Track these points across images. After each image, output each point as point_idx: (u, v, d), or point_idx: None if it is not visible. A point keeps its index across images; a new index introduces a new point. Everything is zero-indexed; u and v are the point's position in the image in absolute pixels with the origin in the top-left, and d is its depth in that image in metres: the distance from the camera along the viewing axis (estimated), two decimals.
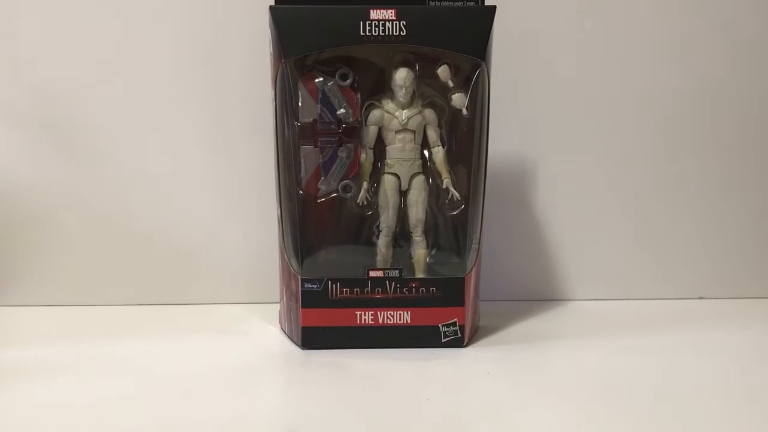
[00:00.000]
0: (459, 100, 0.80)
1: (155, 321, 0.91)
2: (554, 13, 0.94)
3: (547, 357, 0.81)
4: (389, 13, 0.74)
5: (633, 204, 0.99)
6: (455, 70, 0.79)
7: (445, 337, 0.81)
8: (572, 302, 0.99)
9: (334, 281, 0.80)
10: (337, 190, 0.82)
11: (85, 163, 0.94)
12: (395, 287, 0.80)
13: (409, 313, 0.80)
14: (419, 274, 0.83)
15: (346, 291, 0.80)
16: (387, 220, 0.82)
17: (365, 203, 0.82)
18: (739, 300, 1.00)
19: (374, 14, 0.74)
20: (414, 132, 0.81)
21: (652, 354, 0.81)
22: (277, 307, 0.89)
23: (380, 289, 0.80)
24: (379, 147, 0.82)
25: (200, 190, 0.96)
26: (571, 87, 0.95)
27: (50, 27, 0.91)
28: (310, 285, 0.80)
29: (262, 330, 0.88)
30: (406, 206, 0.83)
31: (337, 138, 0.80)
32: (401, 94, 0.79)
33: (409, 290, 0.80)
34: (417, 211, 0.82)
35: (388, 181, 0.82)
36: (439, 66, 0.79)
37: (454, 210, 0.83)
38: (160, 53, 0.92)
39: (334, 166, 0.81)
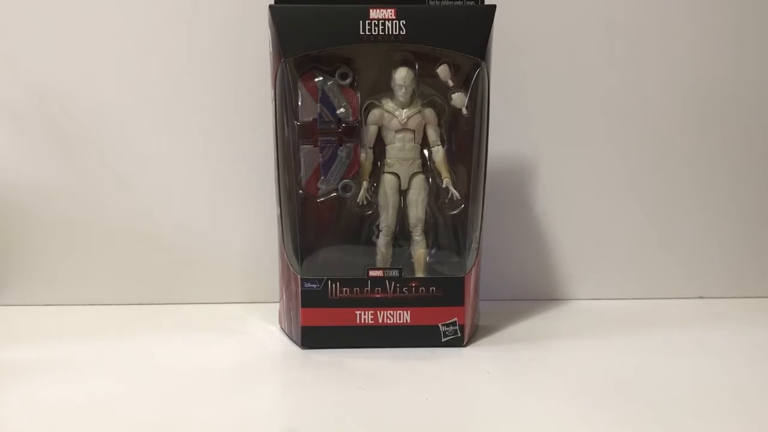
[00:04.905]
0: (459, 99, 0.80)
1: (155, 321, 0.91)
2: (554, 13, 0.94)
3: (547, 356, 0.81)
4: (389, 13, 0.74)
5: (633, 204, 0.99)
6: (455, 70, 0.79)
7: (444, 337, 0.81)
8: (572, 302, 0.99)
9: (333, 281, 0.79)
10: (336, 190, 0.82)
11: (84, 162, 0.94)
12: (395, 287, 0.80)
13: (408, 312, 0.80)
14: (419, 274, 0.83)
15: (346, 291, 0.80)
16: (387, 219, 0.82)
17: (365, 203, 0.82)
18: (739, 300, 1.00)
19: (374, 13, 0.74)
20: (414, 131, 0.81)
21: (652, 354, 0.81)
22: (276, 307, 0.89)
23: (380, 289, 0.80)
24: (379, 146, 0.82)
25: (200, 189, 0.96)
26: (570, 86, 0.95)
27: (51, 26, 0.91)
28: (309, 284, 0.80)
29: (261, 329, 0.88)
30: (405, 206, 0.83)
31: (336, 137, 0.80)
32: (401, 94, 0.79)
33: (409, 290, 0.80)
34: (417, 211, 0.82)
35: (387, 181, 0.82)
36: (439, 65, 0.79)
37: (453, 209, 0.83)
38: (160, 53, 0.92)
39: (334, 166, 0.81)
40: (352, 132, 0.80)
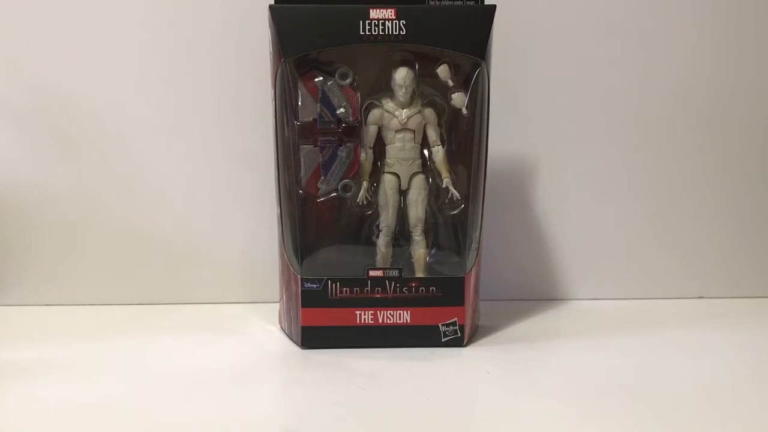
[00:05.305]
0: (459, 99, 0.80)
1: (155, 321, 0.91)
2: (555, 13, 0.94)
3: (547, 356, 0.81)
4: (389, 13, 0.74)
5: (633, 204, 0.99)
6: (455, 70, 0.79)
7: (444, 337, 0.81)
8: (572, 302, 0.99)
9: (334, 281, 0.79)
10: (336, 190, 0.82)
11: (85, 162, 0.94)
12: (395, 287, 0.80)
13: (408, 312, 0.80)
14: (419, 274, 0.83)
15: (346, 290, 0.80)
16: (387, 219, 0.82)
17: (365, 203, 0.82)
18: (739, 300, 1.00)
19: (374, 13, 0.74)
20: (414, 131, 0.81)
21: (652, 354, 0.80)
22: (276, 307, 0.89)
23: (380, 289, 0.80)
24: (379, 146, 0.82)
25: (200, 189, 0.96)
26: (570, 86, 0.95)
27: (51, 26, 0.91)
28: (309, 284, 0.80)
29: (261, 329, 0.88)
30: (405, 206, 0.83)
31: (336, 137, 0.80)
32: (401, 94, 0.79)
33: (409, 290, 0.80)
34: (417, 211, 0.82)
35: (387, 181, 0.82)
36: (439, 65, 0.79)
37: (453, 209, 0.83)
38: (160, 53, 0.92)
39: (334, 166, 0.81)
40: (352, 132, 0.80)
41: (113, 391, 0.70)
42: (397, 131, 0.81)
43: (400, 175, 0.82)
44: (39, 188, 0.94)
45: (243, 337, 0.85)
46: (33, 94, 0.92)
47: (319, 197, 0.82)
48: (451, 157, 0.82)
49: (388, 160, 0.81)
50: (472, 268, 0.81)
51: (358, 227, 0.84)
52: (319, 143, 0.80)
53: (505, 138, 0.93)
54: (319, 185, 0.81)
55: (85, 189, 0.94)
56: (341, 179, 0.81)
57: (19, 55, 0.92)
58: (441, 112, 0.81)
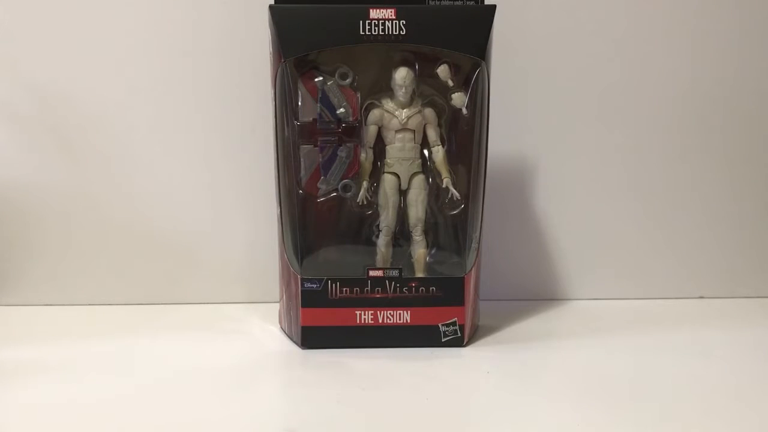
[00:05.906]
0: (459, 99, 0.80)
1: (155, 321, 0.91)
2: (555, 13, 0.94)
3: (547, 357, 0.81)
4: (389, 13, 0.74)
5: (633, 204, 0.99)
6: (455, 70, 0.79)
7: (444, 337, 0.81)
8: (572, 302, 0.99)
9: (333, 281, 0.79)
10: (336, 190, 0.82)
11: (85, 162, 0.94)
12: (395, 287, 0.80)
13: (408, 312, 0.80)
14: (419, 274, 0.83)
15: (346, 290, 0.80)
16: (387, 219, 0.82)
17: (365, 203, 0.82)
18: (739, 299, 1.00)
19: (374, 13, 0.74)
20: (414, 131, 0.81)
21: (652, 354, 0.81)
22: (276, 307, 0.89)
23: (380, 289, 0.80)
24: (379, 146, 0.82)
25: (200, 189, 0.96)
26: (570, 87, 0.95)
27: (51, 27, 0.91)
28: (309, 284, 0.80)
29: (261, 329, 0.88)
30: (405, 205, 0.83)
31: (336, 137, 0.80)
32: (401, 94, 0.79)
33: (409, 290, 0.80)
34: (417, 211, 0.82)
35: (387, 181, 0.82)
36: (439, 65, 0.79)
37: (453, 209, 0.83)
38: (160, 53, 0.92)
39: (334, 166, 0.81)
40: (352, 132, 0.80)
41: (113, 391, 0.70)
42: (397, 131, 0.81)
43: (400, 175, 0.82)
44: (39, 188, 0.94)
45: (243, 337, 0.85)
46: (33, 94, 0.92)
47: (319, 197, 0.82)
48: (451, 157, 0.82)
49: (388, 160, 0.81)
50: (472, 268, 0.81)
51: (358, 227, 0.84)
52: (319, 143, 0.80)
53: (505, 138, 0.94)
54: (319, 185, 0.81)
55: (85, 189, 0.94)
56: (341, 179, 0.81)
57: (20, 55, 0.91)
58: (441, 112, 0.81)
